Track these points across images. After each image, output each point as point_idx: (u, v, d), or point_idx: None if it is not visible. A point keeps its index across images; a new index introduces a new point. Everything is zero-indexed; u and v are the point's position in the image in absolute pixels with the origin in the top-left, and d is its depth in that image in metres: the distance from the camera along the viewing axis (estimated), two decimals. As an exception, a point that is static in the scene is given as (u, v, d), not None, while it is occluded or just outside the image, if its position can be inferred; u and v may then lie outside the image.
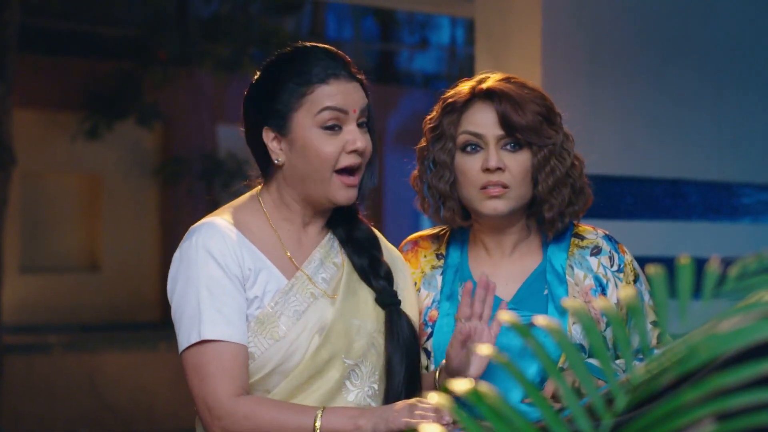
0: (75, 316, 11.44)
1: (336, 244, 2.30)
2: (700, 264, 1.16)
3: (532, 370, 2.30)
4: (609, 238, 2.43)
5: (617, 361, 2.27)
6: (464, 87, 2.39)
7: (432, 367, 2.34)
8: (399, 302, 2.28)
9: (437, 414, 1.98)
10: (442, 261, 2.45)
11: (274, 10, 11.78)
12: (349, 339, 2.21)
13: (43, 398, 8.82)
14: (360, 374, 2.22)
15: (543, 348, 1.14)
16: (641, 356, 1.19)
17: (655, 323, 2.34)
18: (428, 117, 2.43)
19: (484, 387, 1.10)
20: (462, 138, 2.36)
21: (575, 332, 2.31)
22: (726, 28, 4.88)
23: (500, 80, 2.37)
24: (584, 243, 2.41)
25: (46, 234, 11.70)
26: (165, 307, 11.63)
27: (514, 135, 2.32)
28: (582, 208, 2.40)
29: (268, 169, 2.27)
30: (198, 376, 2.12)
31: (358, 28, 14.49)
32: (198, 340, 2.12)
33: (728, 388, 1.04)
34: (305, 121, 2.19)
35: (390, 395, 2.22)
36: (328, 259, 2.27)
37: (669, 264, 1.26)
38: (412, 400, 2.03)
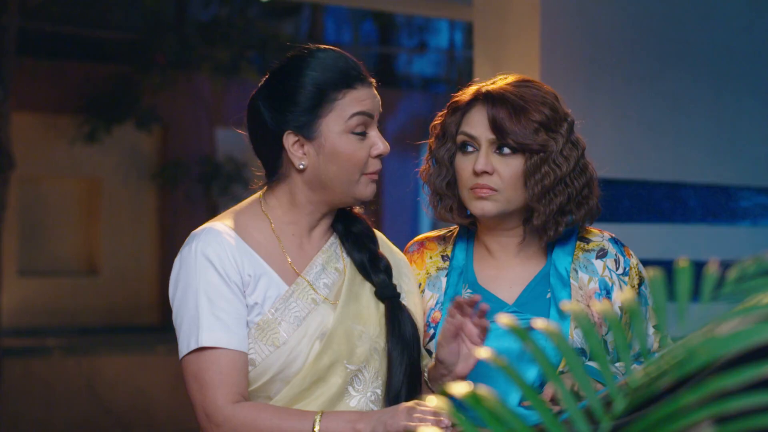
0: (74, 320, 11.44)
1: (338, 249, 2.29)
2: (698, 267, 1.16)
3: (531, 373, 2.29)
4: (615, 240, 2.42)
5: (617, 364, 2.26)
6: (472, 88, 2.40)
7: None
8: (399, 295, 2.27)
9: (436, 417, 1.97)
10: (447, 263, 2.44)
11: (273, 14, 11.81)
12: (350, 344, 2.20)
13: (42, 401, 8.81)
14: (363, 379, 2.21)
15: (542, 351, 1.14)
16: (641, 359, 1.20)
17: (658, 327, 2.33)
18: (439, 114, 2.45)
19: (483, 390, 1.10)
20: (459, 138, 2.37)
21: (576, 336, 2.30)
22: (723, 31, 4.88)
23: (508, 83, 2.36)
24: (590, 246, 2.40)
25: (44, 238, 11.69)
26: (164, 310, 11.64)
27: (505, 140, 2.32)
28: (581, 218, 2.36)
29: (276, 172, 2.25)
30: (197, 383, 2.12)
31: (357, 31, 14.50)
32: (196, 347, 2.12)
33: (727, 390, 1.04)
34: (336, 126, 2.18)
35: (390, 392, 2.21)
36: (330, 264, 2.26)
37: (668, 267, 1.26)
38: (411, 403, 2.02)
